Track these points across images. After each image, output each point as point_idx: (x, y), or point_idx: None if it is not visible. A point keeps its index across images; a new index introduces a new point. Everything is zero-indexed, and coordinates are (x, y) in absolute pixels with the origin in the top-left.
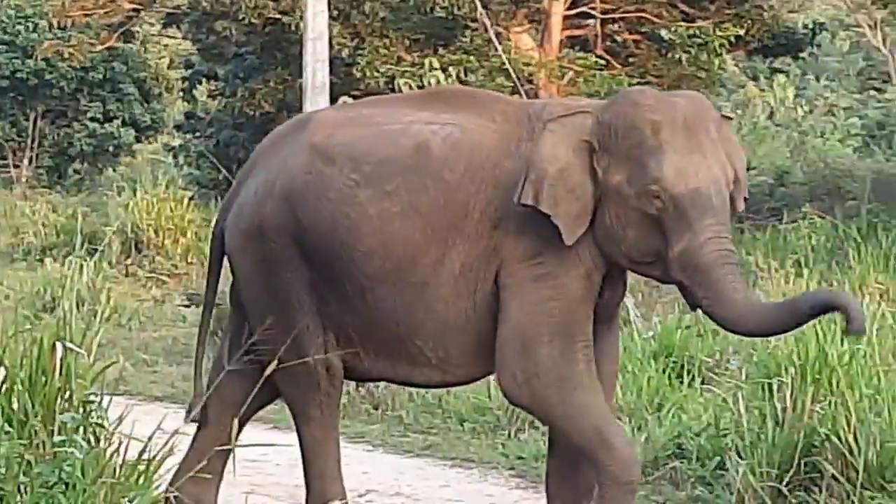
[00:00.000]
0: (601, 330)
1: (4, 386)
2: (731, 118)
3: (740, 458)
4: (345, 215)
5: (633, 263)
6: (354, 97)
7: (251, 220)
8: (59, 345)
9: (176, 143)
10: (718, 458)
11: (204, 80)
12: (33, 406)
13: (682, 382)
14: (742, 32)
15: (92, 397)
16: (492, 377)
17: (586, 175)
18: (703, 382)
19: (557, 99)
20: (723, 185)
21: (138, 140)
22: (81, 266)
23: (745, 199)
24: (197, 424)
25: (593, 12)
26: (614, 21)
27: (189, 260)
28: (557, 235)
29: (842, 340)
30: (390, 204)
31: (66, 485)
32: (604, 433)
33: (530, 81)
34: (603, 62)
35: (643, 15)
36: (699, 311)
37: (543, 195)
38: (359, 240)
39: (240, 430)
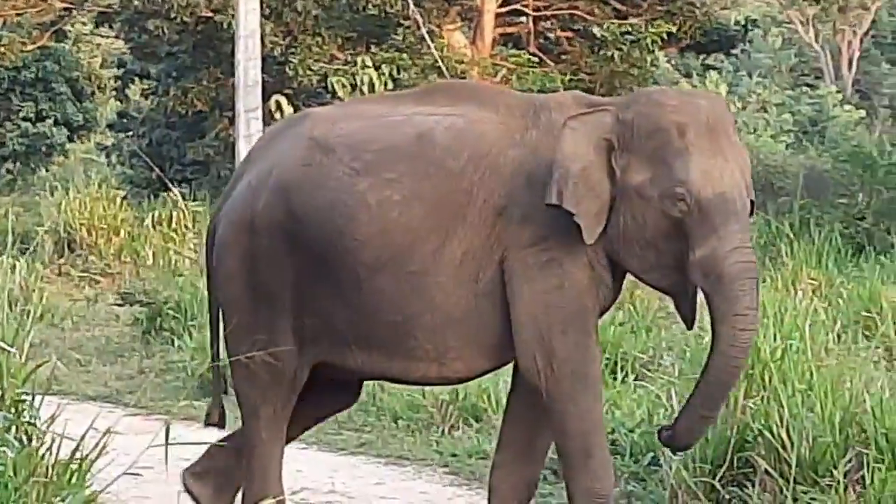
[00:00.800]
0: None
1: None
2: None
3: (674, 453)
4: (343, 203)
5: (644, 269)
6: (287, 96)
7: (243, 213)
8: None
9: (108, 142)
10: (652, 453)
11: (136, 78)
12: None
13: (615, 379)
14: (674, 29)
15: (24, 397)
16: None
17: (604, 173)
18: (636, 379)
19: (564, 93)
20: (744, 190)
21: (71, 139)
22: (14, 266)
23: (752, 201)
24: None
25: (526, 10)
26: (547, 18)
27: (122, 259)
28: (563, 224)
29: (774, 336)
30: (391, 192)
31: None
32: (589, 443)
33: (463, 79)
34: (536, 60)
35: (575, 12)
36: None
37: (567, 194)
38: (356, 228)
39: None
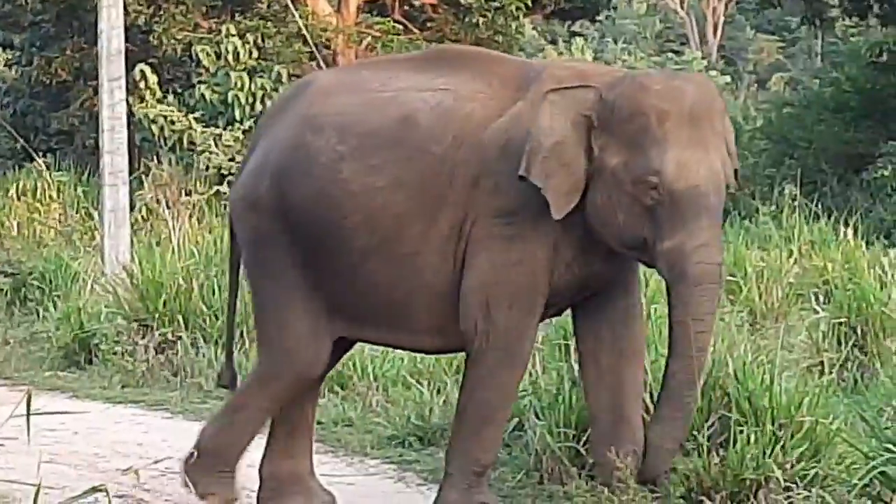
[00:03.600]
0: (609, 297)
1: None
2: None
3: (538, 419)
4: (328, 193)
5: (621, 246)
6: (151, 65)
7: (249, 193)
8: None
9: None
10: (517, 419)
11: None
12: None
13: None
14: None
15: None
16: None
17: (581, 150)
18: None
19: (559, 61)
20: (721, 182)
21: None
22: None
23: (736, 171)
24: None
25: None
26: None
27: None
28: (533, 199)
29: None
30: (374, 179)
31: None
32: (491, 415)
33: (328, 47)
34: (401, 27)
35: None
36: None
37: (536, 167)
38: (344, 216)
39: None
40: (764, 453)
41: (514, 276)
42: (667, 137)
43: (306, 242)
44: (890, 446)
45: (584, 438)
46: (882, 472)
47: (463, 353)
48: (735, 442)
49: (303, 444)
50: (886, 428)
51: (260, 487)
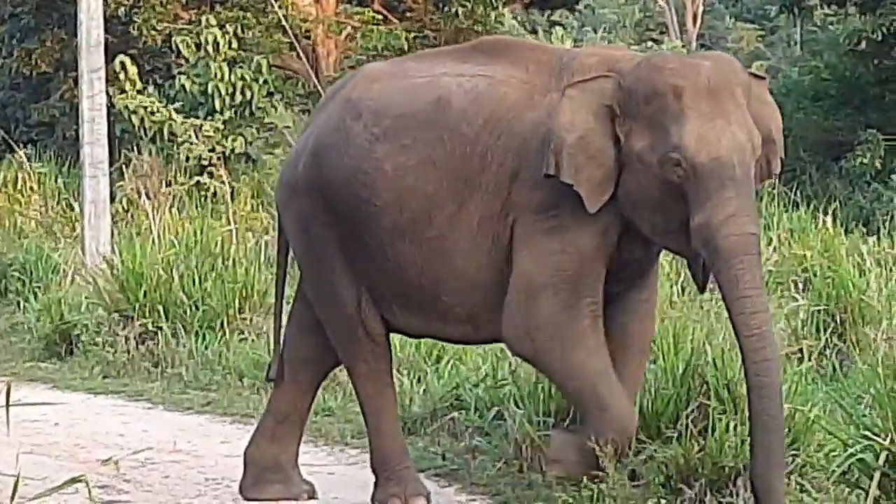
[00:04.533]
0: (630, 288)
1: None
2: (763, 77)
3: (518, 407)
4: (362, 170)
5: (656, 233)
6: (131, 56)
7: (291, 174)
8: None
9: None
10: (496, 408)
11: None
12: None
13: None
14: None
15: None
16: None
17: (608, 140)
18: None
19: (590, 48)
20: (747, 154)
21: None
22: None
23: (781, 159)
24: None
25: None
26: None
27: None
28: (574, 191)
29: None
30: (405, 158)
31: None
32: (599, 394)
33: (308, 37)
34: (380, 17)
35: None
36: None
37: (564, 164)
38: (375, 194)
39: (317, 388)
40: (743, 441)
41: (556, 263)
42: (684, 112)
43: (341, 220)
44: (868, 433)
45: (564, 427)
46: (860, 460)
47: (441, 342)
48: (714, 430)
49: (291, 432)
50: (864, 415)
51: (243, 472)
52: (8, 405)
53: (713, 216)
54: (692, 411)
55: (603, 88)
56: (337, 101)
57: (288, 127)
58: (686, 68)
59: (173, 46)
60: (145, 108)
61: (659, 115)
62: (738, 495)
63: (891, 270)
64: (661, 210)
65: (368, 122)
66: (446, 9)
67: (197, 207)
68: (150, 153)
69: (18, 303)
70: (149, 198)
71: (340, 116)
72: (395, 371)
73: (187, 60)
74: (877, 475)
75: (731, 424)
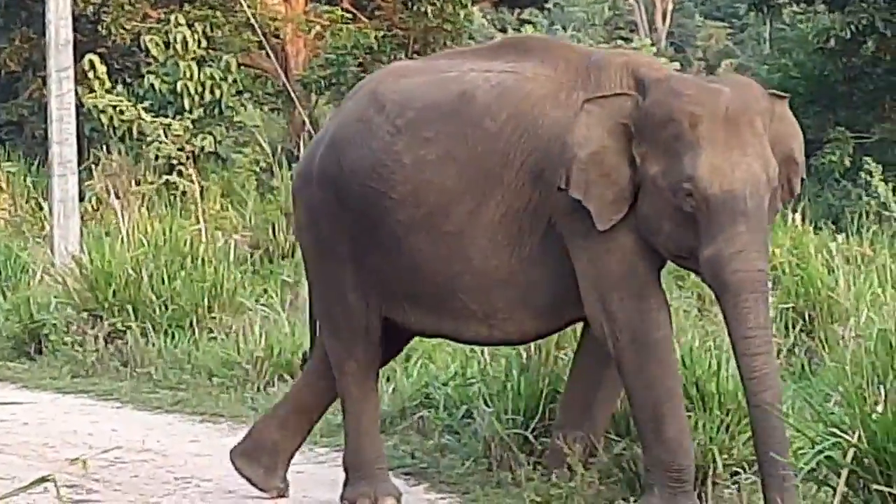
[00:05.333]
0: None
1: None
2: (784, 96)
3: (487, 406)
4: (381, 163)
5: (670, 256)
6: (100, 55)
7: (306, 165)
8: None
9: None
10: (465, 406)
11: None
12: None
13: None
14: None
15: None
16: None
17: (623, 159)
18: None
19: (617, 51)
20: (762, 186)
21: None
22: None
23: (803, 180)
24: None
25: None
26: None
27: None
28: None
29: None
30: (426, 151)
31: None
32: (659, 413)
33: (277, 36)
34: (349, 16)
35: None
36: None
37: (574, 179)
38: (391, 187)
39: None
40: (711, 439)
41: (608, 264)
42: (699, 142)
43: (356, 213)
44: (836, 431)
45: (533, 426)
46: (828, 457)
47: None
48: None
49: (301, 427)
50: (832, 413)
51: (244, 437)
52: None
53: (723, 250)
54: None
55: (622, 107)
56: (362, 94)
57: (257, 126)
58: (704, 95)
59: (142, 45)
60: (114, 107)
61: (674, 141)
62: (707, 493)
63: (859, 268)
64: (674, 236)
65: (391, 114)
66: (415, 7)
67: (166, 206)
68: (119, 152)
69: None
70: (118, 197)
71: (364, 108)
72: None
73: (156, 59)
74: (845, 472)
75: (700, 423)
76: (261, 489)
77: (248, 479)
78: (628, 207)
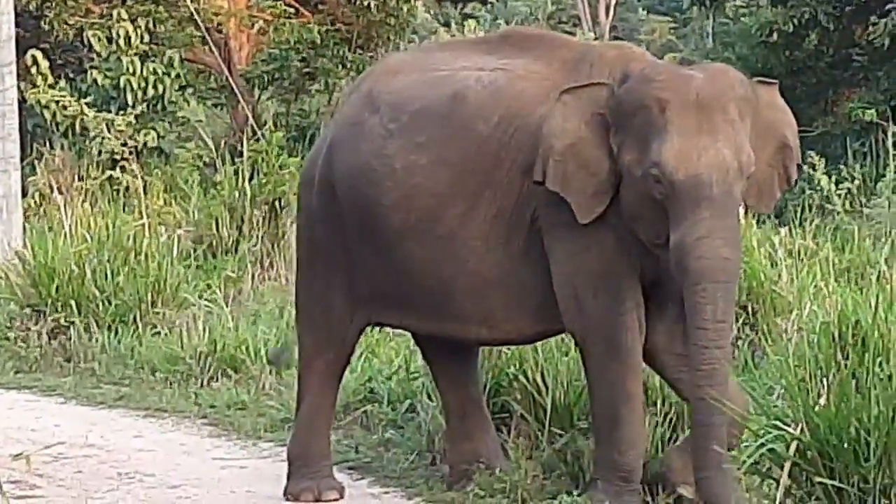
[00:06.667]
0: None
1: None
2: (773, 83)
3: (430, 400)
4: (371, 168)
5: (653, 248)
6: (43, 50)
7: (307, 169)
8: None
9: None
10: (409, 401)
11: None
12: None
13: (373, 328)
14: None
15: None
16: None
17: (602, 150)
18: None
19: (610, 43)
20: (730, 173)
21: None
22: None
23: (799, 165)
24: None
25: None
26: None
27: None
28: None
29: None
30: (417, 157)
31: None
32: (616, 413)
33: (220, 31)
34: (292, 10)
35: None
36: None
37: (550, 172)
38: (382, 194)
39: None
40: (654, 427)
41: (587, 262)
42: (667, 128)
43: (350, 219)
44: (779, 423)
45: None
46: (771, 450)
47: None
48: None
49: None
50: (775, 406)
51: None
52: None
53: (687, 235)
54: None
55: (597, 97)
56: (359, 93)
57: (200, 121)
58: (675, 81)
59: (85, 41)
60: (57, 102)
61: (644, 128)
62: (650, 486)
63: (802, 261)
64: (651, 225)
65: (385, 116)
66: (358, 2)
67: (109, 202)
68: (62, 148)
69: None
70: (61, 192)
71: (359, 110)
72: None
73: (99, 55)
74: (787, 465)
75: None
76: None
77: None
78: (610, 200)
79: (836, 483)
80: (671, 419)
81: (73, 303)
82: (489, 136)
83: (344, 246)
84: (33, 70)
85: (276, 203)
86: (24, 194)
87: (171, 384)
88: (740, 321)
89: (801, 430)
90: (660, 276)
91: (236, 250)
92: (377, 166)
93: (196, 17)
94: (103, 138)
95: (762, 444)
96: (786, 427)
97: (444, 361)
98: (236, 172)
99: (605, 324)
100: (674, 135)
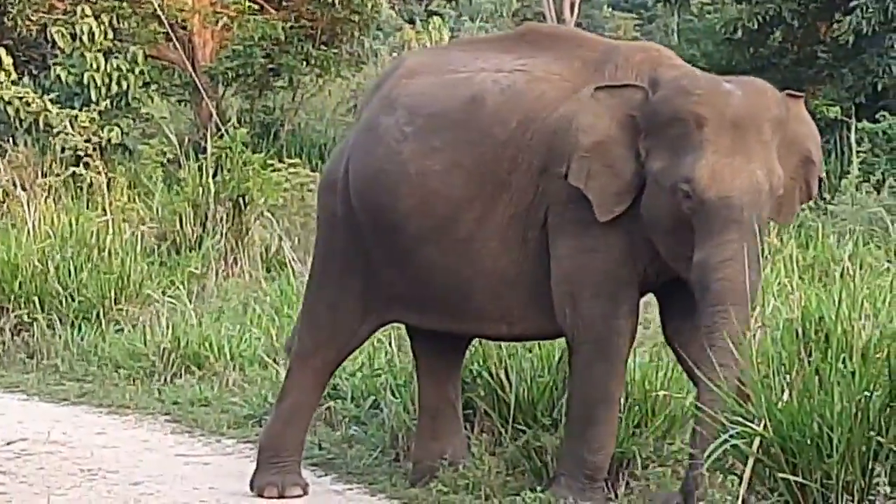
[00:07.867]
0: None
1: None
2: (800, 96)
3: (394, 397)
4: (385, 173)
5: (669, 257)
6: (6, 46)
7: (330, 174)
8: None
9: None
10: (373, 397)
11: None
12: None
13: None
14: None
15: None
16: None
17: (629, 152)
18: None
19: (634, 43)
20: (762, 195)
21: None
22: None
23: (820, 178)
24: None
25: None
26: None
27: None
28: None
29: None
30: (432, 162)
31: None
32: (594, 413)
33: (184, 27)
34: (257, 7)
35: None
36: None
37: (574, 167)
38: (397, 200)
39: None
40: (620, 431)
41: (591, 263)
42: (703, 145)
43: (366, 224)
44: (741, 420)
45: None
46: (734, 446)
47: None
48: None
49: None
50: (739, 403)
51: None
52: None
53: (712, 256)
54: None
55: (632, 98)
56: (377, 95)
57: (164, 117)
58: (714, 97)
59: (49, 37)
60: (20, 98)
61: (679, 141)
62: (616, 482)
63: (766, 258)
64: (673, 235)
65: (401, 119)
66: None
67: (73, 198)
68: (25, 144)
69: None
70: (24, 189)
71: (376, 113)
72: (272, 360)
73: (63, 51)
74: (751, 461)
75: None
76: None
77: None
78: (631, 201)
79: (799, 479)
80: (634, 417)
81: (36, 299)
82: (506, 141)
83: (362, 249)
84: None
85: (240, 200)
86: None
87: (134, 381)
88: None
89: (765, 426)
90: (667, 284)
91: (200, 247)
92: (391, 171)
93: (160, 13)
94: (67, 135)
95: (725, 441)
96: (749, 424)
97: (432, 359)
98: (200, 169)
99: (597, 325)
100: (709, 152)
